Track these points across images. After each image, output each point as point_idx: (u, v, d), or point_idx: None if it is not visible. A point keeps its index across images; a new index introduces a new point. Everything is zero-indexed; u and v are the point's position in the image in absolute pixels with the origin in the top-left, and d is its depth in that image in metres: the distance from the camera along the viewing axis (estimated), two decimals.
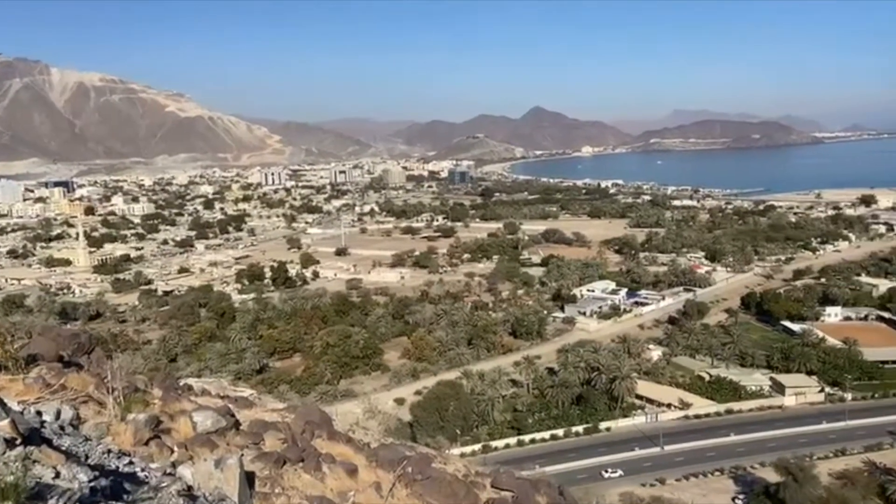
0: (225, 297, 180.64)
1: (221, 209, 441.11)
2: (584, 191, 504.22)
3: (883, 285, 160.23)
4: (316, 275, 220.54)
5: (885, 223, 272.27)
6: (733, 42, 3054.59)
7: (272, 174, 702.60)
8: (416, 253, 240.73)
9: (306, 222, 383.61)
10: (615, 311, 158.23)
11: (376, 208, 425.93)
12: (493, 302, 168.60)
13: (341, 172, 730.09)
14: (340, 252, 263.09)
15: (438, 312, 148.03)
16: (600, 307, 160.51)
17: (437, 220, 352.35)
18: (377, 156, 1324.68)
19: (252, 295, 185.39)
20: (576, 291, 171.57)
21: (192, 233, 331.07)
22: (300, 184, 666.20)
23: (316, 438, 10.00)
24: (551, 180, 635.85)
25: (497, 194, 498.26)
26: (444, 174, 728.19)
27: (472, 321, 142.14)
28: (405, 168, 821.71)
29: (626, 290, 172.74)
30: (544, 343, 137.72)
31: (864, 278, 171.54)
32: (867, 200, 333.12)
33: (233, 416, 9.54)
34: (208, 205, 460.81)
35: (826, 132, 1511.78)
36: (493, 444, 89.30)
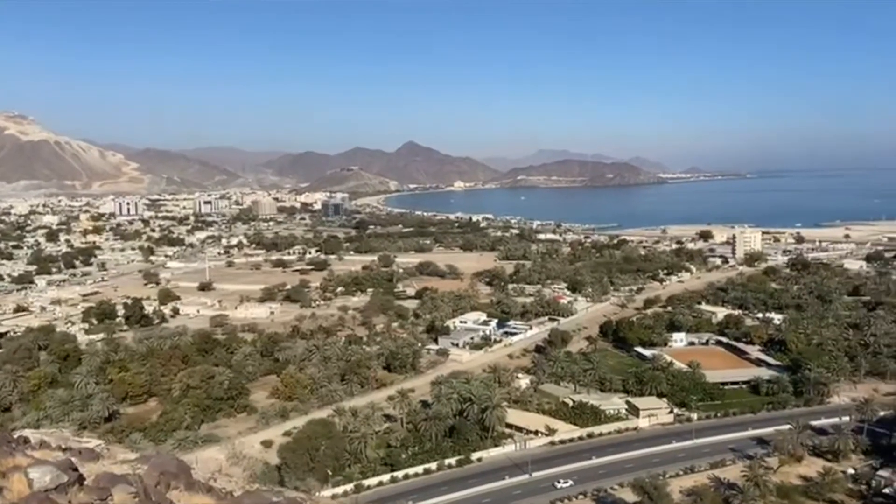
0: (69, 337, 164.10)
1: (67, 241, 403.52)
2: (456, 224, 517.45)
3: (721, 312, 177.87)
4: (176, 312, 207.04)
5: (721, 256, 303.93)
6: (589, 88, 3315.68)
7: (128, 204, 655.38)
8: (288, 287, 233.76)
9: (166, 255, 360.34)
10: (486, 342, 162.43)
11: (245, 240, 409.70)
12: (367, 336, 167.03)
13: (206, 203, 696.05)
14: (204, 287, 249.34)
15: (310, 348, 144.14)
16: (472, 338, 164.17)
17: (310, 253, 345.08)
18: (246, 186, 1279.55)
19: (101, 335, 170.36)
20: (449, 323, 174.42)
21: (33, 267, 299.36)
22: (160, 214, 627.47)
23: (172, 490, 9.46)
24: (425, 213, 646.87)
25: (372, 227, 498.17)
26: (318, 206, 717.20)
27: (345, 356, 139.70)
28: (276, 199, 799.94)
29: (496, 320, 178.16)
30: (419, 376, 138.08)
31: (704, 306, 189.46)
32: (705, 235, 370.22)
33: (76, 470, 8.81)
34: (52, 236, 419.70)
35: (669, 173, 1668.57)
36: (366, 482, 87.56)
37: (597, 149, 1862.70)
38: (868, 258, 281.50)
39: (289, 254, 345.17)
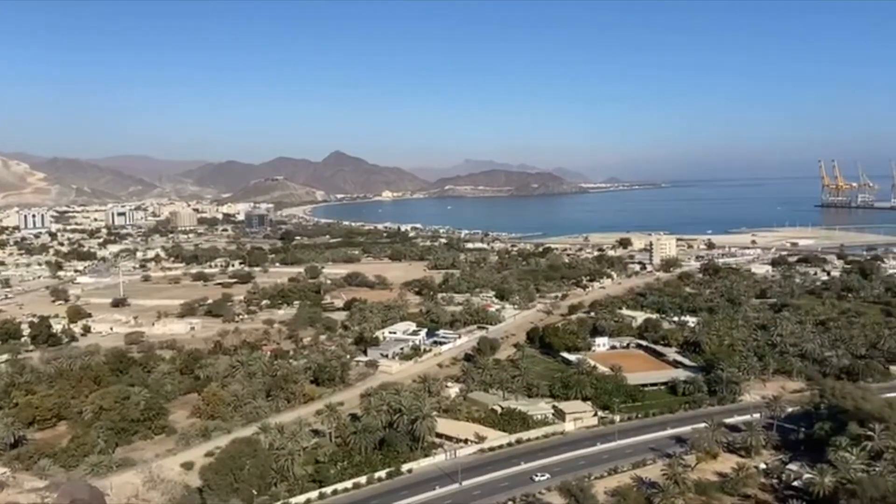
0: None
1: None
2: (385, 234, 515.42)
3: (640, 316, 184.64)
4: (87, 330, 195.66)
5: (640, 262, 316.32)
6: (514, 99, 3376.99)
7: (33, 216, 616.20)
8: (209, 301, 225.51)
9: (76, 270, 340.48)
10: (416, 352, 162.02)
11: (162, 253, 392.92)
12: (294, 349, 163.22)
13: (120, 214, 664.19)
14: (118, 303, 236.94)
15: (234, 364, 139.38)
16: (402, 348, 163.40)
17: (234, 266, 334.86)
18: (164, 196, 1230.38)
19: (5, 356, 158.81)
20: (378, 334, 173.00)
21: None
22: (69, 227, 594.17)
23: None
24: (353, 224, 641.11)
25: (298, 238, 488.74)
26: (241, 217, 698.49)
27: (271, 371, 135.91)
28: (196, 210, 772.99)
29: (426, 330, 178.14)
30: (348, 388, 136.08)
31: (625, 311, 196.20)
32: (625, 243, 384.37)
33: None
34: None
35: (591, 183, 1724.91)
36: (294, 500, 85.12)
37: (522, 159, 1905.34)
38: (773, 262, 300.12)
39: (210, 266, 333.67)
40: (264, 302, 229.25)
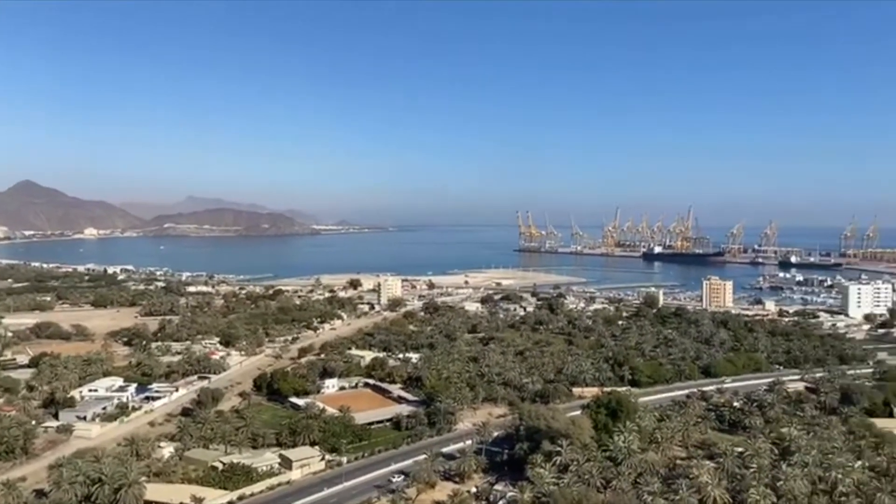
0: None
1: None
2: (87, 277, 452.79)
3: (368, 356, 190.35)
4: None
5: (368, 303, 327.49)
6: (242, 137, 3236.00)
7: None
8: None
9: None
10: (123, 411, 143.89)
11: None
12: None
13: None
14: None
15: None
16: (105, 408, 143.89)
17: None
18: None
19: None
20: (75, 393, 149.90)
21: None
22: None
23: None
24: (45, 265, 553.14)
25: None
26: None
27: None
28: None
29: (135, 385, 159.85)
30: (32, 460, 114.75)
31: (354, 351, 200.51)
32: (354, 284, 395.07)
33: None
34: None
35: (323, 225, 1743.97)
36: None
37: (252, 198, 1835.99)
38: (482, 300, 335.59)
39: None
40: None
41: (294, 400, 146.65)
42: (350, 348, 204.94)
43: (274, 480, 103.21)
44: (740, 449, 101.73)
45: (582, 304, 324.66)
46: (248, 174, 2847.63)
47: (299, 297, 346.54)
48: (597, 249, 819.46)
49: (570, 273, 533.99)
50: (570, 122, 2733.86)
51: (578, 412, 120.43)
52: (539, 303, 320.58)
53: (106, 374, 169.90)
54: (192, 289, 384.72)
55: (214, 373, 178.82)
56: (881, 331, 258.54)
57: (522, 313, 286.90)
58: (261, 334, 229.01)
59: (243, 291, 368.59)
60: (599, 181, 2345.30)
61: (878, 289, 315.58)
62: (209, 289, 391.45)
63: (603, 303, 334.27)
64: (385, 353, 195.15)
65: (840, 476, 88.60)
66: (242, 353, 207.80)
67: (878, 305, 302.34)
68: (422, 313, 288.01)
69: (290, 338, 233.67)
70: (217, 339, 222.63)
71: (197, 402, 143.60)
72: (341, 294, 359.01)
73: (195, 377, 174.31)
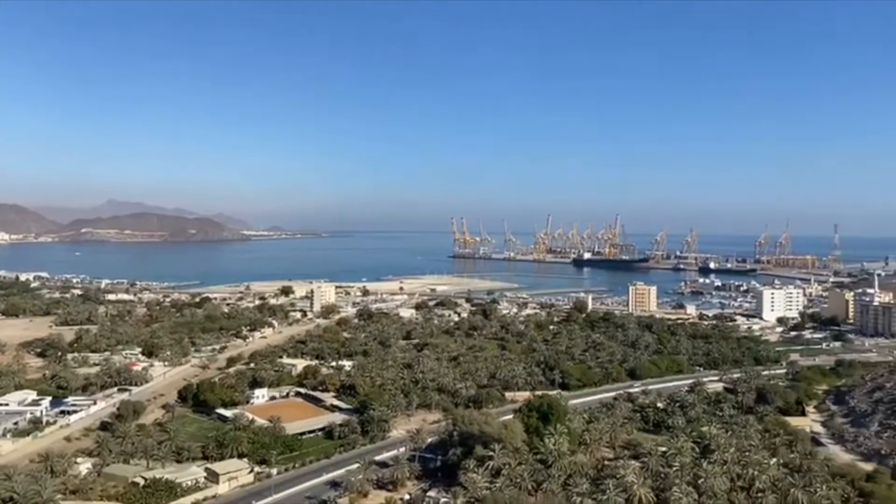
0: None
1: None
2: None
3: (300, 364, 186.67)
4: None
5: (301, 310, 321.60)
6: (154, 134, 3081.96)
7: None
8: None
9: None
10: (36, 426, 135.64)
11: None
12: None
13: None
14: None
15: None
16: (17, 423, 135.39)
17: None
18: None
19: None
20: None
21: None
22: None
23: None
24: None
25: None
26: None
27: None
28: None
29: (50, 398, 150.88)
30: None
31: (285, 359, 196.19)
32: (287, 291, 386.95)
33: None
34: None
35: (253, 230, 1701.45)
36: None
37: (178, 202, 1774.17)
38: (417, 307, 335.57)
39: None
40: None
41: (221, 411, 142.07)
42: (281, 357, 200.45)
43: (199, 495, 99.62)
44: (664, 448, 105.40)
45: (515, 310, 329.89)
46: (173, 177, 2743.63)
47: (228, 304, 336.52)
48: (529, 256, 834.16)
49: (503, 279, 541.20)
50: (510, 132, 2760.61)
51: (511, 416, 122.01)
52: (473, 308, 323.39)
53: (18, 388, 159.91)
54: (112, 297, 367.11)
55: (136, 384, 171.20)
56: (793, 333, 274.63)
57: (457, 319, 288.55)
58: (186, 344, 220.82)
59: (168, 299, 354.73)
60: (537, 188, 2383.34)
61: (790, 293, 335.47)
62: (131, 297, 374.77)
63: (535, 308, 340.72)
64: (318, 361, 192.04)
65: (757, 473, 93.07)
66: (166, 363, 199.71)
67: (790, 309, 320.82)
68: (356, 320, 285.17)
69: (217, 347, 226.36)
70: (139, 349, 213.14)
71: (117, 416, 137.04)
72: (273, 301, 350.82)
73: (115, 389, 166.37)
